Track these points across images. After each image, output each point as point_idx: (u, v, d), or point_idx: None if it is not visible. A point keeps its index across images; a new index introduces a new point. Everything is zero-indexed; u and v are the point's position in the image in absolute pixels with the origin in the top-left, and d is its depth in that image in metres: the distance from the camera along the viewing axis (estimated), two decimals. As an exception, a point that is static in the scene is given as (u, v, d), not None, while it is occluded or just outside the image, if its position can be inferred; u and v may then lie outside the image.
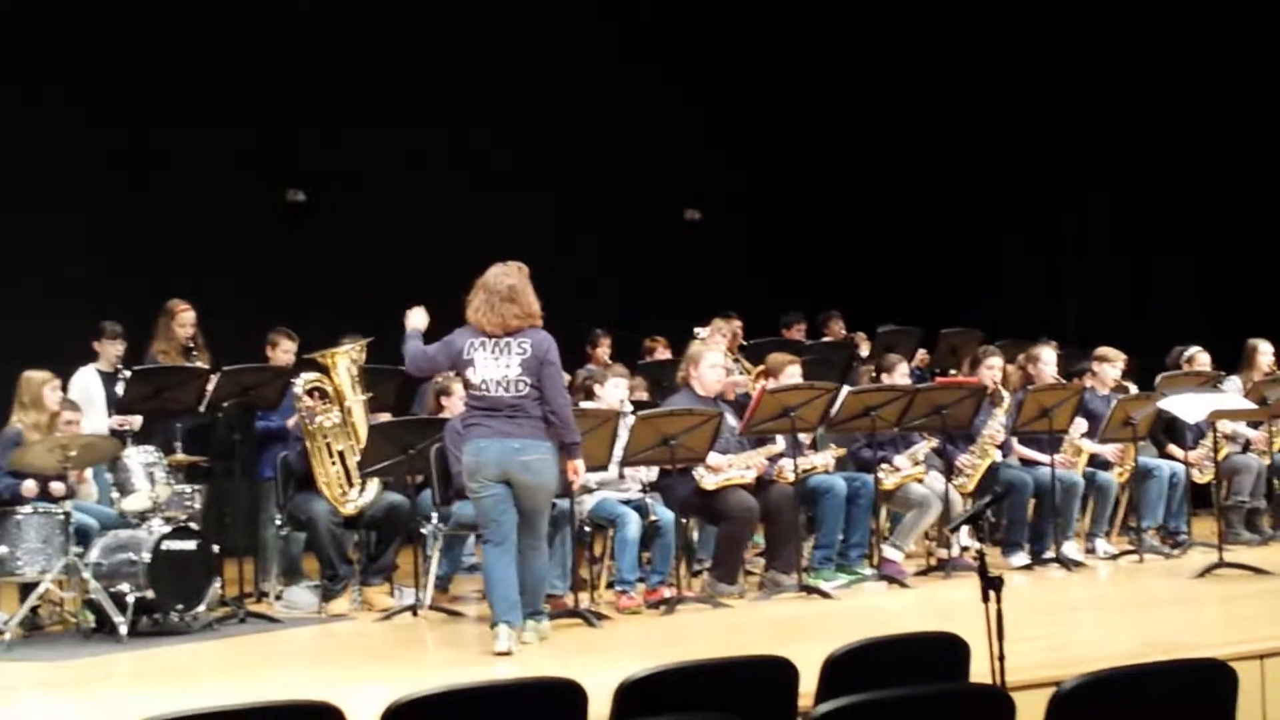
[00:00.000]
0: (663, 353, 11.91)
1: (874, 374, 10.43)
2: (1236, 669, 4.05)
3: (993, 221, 15.51)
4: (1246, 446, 10.89)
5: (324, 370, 8.85)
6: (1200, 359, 11.10)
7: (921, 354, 11.39)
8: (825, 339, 12.49)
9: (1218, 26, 14.14)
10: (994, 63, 15.24)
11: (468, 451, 7.42)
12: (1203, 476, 10.68)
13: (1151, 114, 14.61)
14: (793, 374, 9.42)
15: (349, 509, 8.77)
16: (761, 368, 10.03)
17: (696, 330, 10.21)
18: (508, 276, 7.51)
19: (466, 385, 7.54)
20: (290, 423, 9.05)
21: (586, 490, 8.71)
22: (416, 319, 7.78)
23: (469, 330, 7.48)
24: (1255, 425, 10.79)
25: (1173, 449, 10.77)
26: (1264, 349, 11.16)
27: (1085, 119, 14.93)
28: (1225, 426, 10.41)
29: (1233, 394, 10.42)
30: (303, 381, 8.77)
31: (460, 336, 7.51)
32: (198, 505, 8.68)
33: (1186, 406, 9.69)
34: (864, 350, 11.67)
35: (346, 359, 8.86)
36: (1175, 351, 11.29)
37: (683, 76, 14.48)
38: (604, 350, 11.86)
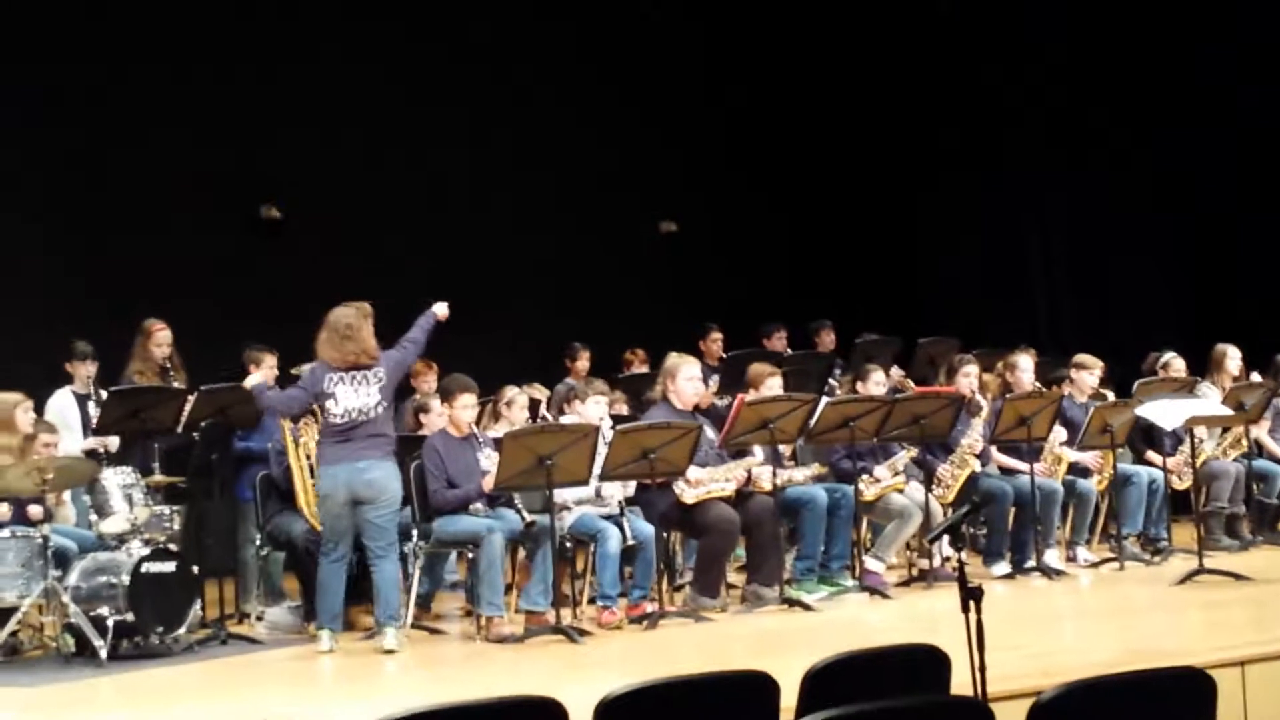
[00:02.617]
0: (640, 366, 11.91)
1: (851, 384, 10.45)
2: (1217, 675, 4.06)
3: (965, 231, 15.55)
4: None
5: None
6: (1176, 365, 11.13)
7: (896, 372, 11.38)
8: (809, 350, 12.50)
9: (1175, 25, 14.20)
10: (966, 70, 15.30)
11: (322, 477, 8.09)
12: (1182, 483, 10.71)
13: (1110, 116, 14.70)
14: (773, 385, 9.42)
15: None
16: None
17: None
18: (346, 316, 8.11)
19: (326, 415, 8.06)
20: (270, 443, 9.01)
21: (566, 507, 8.71)
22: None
23: (324, 366, 8.09)
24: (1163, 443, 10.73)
25: (1151, 455, 10.79)
26: (1231, 354, 11.19)
27: (1059, 128, 15.01)
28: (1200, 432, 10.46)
29: (1212, 399, 10.45)
30: (282, 403, 8.73)
31: (319, 371, 8.10)
32: (177, 526, 8.64)
33: (1164, 413, 9.71)
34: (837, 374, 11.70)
35: None
36: (1151, 358, 11.33)
37: (655, 89, 14.51)
38: (583, 364, 11.87)
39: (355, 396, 8.00)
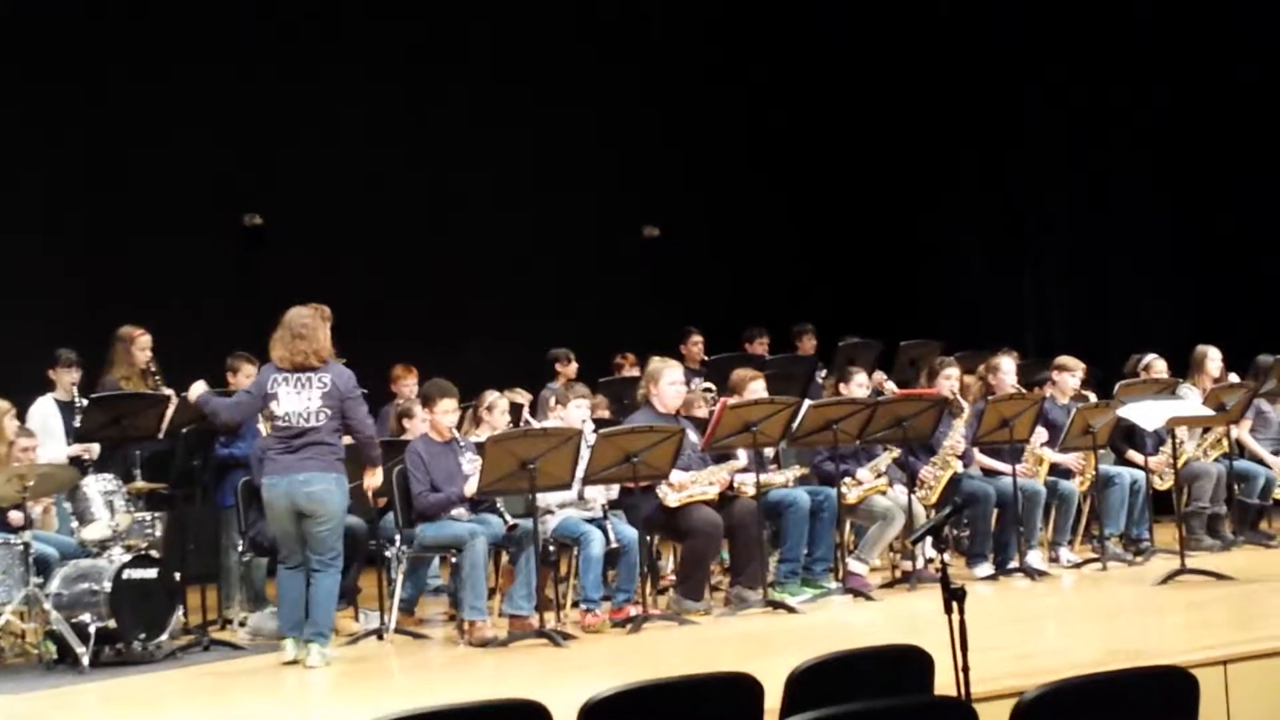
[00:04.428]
0: (631, 369, 11.92)
1: (834, 386, 10.47)
2: (1200, 675, 4.07)
3: (950, 233, 15.57)
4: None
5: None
6: (1157, 366, 11.16)
7: (878, 375, 11.41)
8: (791, 354, 12.51)
9: (1174, 32, 14.26)
10: (945, 75, 15.33)
11: (263, 486, 7.93)
12: (1163, 483, 10.74)
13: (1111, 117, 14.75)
14: (756, 389, 9.43)
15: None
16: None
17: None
18: (303, 317, 7.97)
19: (270, 418, 7.97)
20: (252, 449, 8.98)
21: (549, 511, 8.71)
22: (198, 388, 8.34)
23: (271, 367, 7.98)
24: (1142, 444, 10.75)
25: (1133, 455, 10.82)
26: (1213, 355, 11.23)
27: (1042, 127, 15.04)
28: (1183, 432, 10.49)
29: (1193, 400, 10.48)
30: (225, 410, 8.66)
31: (265, 373, 8.02)
32: (158, 533, 8.61)
33: (1145, 414, 9.74)
34: (821, 376, 11.71)
35: None
36: (1133, 359, 11.37)
37: (640, 93, 14.52)
38: (571, 368, 11.85)
39: (296, 399, 7.83)
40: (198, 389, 8.33)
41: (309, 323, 7.92)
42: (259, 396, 7.97)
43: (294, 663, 7.76)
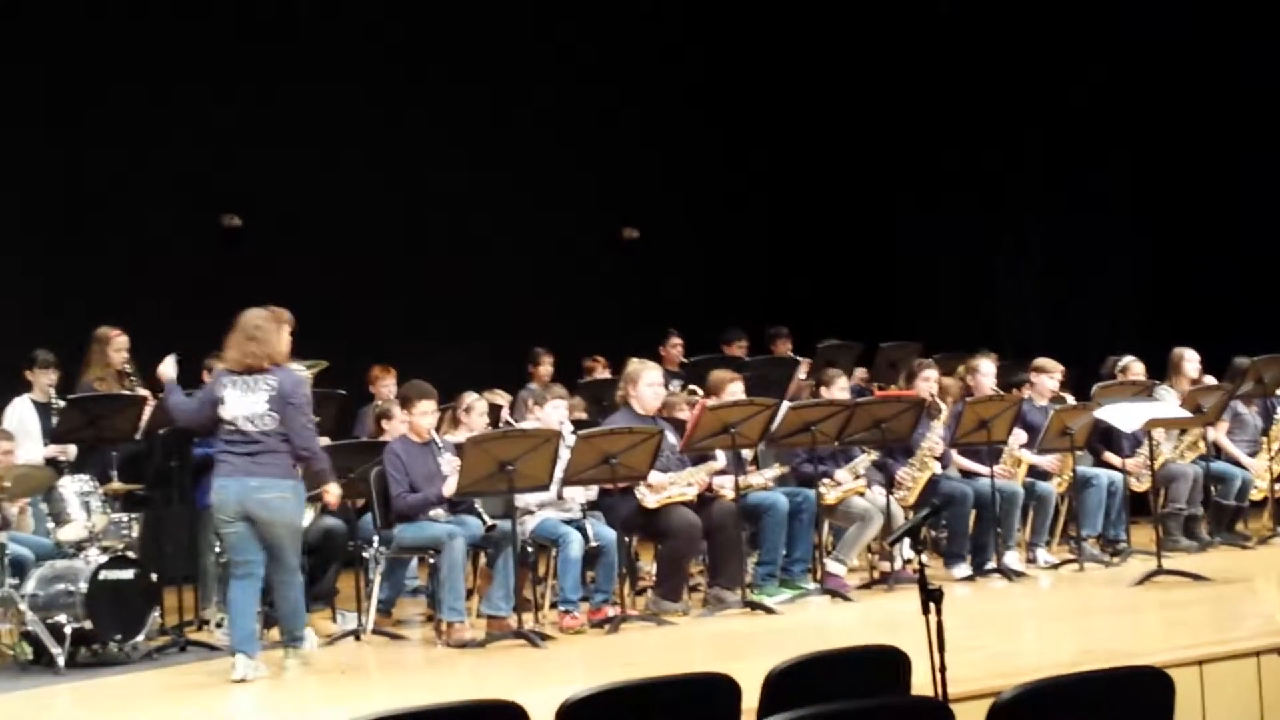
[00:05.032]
0: (602, 372, 11.91)
1: (814, 388, 10.49)
2: (1176, 675, 4.08)
3: (929, 235, 15.60)
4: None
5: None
6: (1134, 368, 11.20)
7: (860, 372, 11.45)
8: (769, 355, 12.52)
9: (1154, 38, 14.31)
10: (924, 75, 15.36)
11: (213, 489, 7.72)
12: (1140, 485, 10.78)
13: (1086, 124, 14.78)
14: (735, 391, 9.44)
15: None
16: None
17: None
18: (256, 319, 7.81)
19: (219, 422, 7.70)
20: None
21: (528, 512, 8.71)
22: (168, 368, 7.97)
23: (222, 370, 7.80)
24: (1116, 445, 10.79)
25: (1110, 457, 10.86)
26: (1190, 356, 11.28)
27: (1020, 130, 15.08)
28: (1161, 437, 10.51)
29: (1170, 402, 10.52)
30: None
31: (215, 375, 7.85)
32: (135, 534, 8.58)
33: (1122, 416, 9.77)
34: (803, 372, 11.71)
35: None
36: (1110, 361, 11.40)
37: (617, 94, 14.51)
38: (545, 369, 11.86)
39: (242, 402, 7.60)
40: (167, 367, 7.97)
41: (262, 325, 7.77)
42: (208, 400, 7.74)
43: (241, 681, 7.40)
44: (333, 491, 8.01)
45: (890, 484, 9.71)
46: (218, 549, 8.88)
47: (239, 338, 7.75)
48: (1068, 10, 14.72)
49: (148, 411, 8.89)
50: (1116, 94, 14.60)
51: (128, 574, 8.21)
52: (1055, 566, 10.22)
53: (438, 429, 9.02)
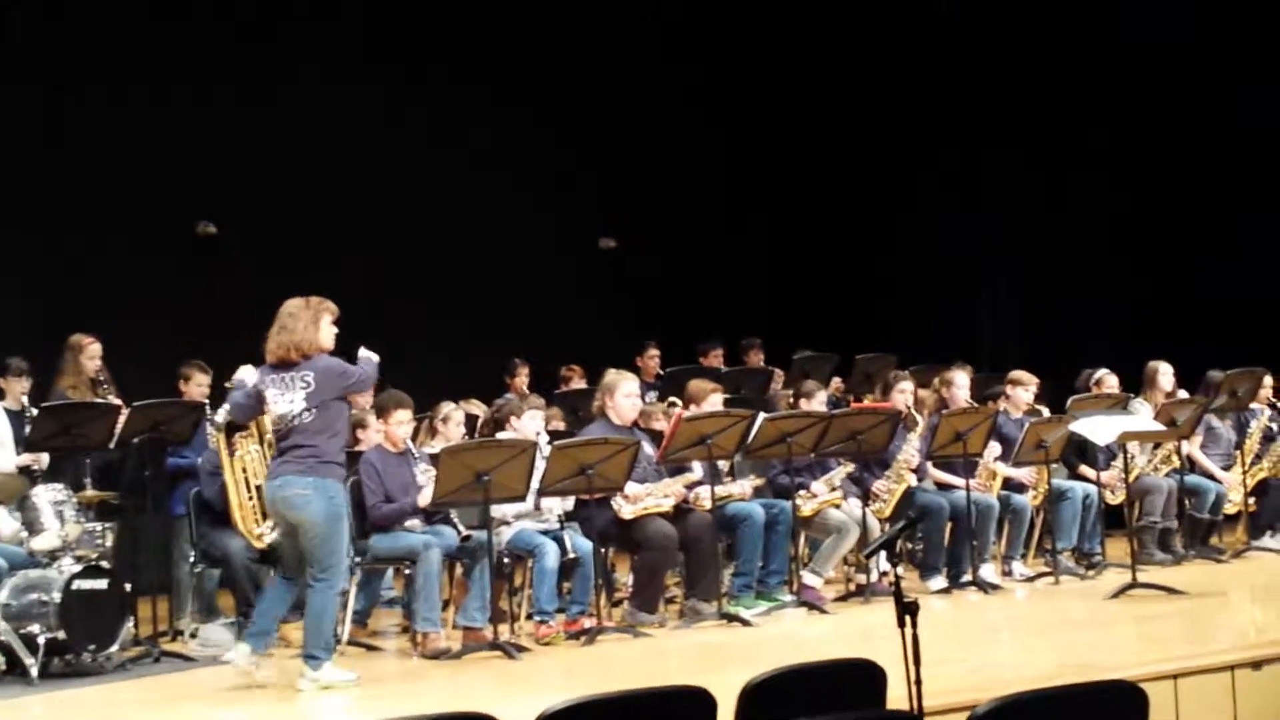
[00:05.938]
0: (578, 382, 11.90)
1: (791, 400, 10.50)
2: (1150, 689, 4.10)
3: (906, 248, 15.64)
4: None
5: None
6: (1109, 381, 11.24)
7: (836, 382, 11.47)
8: (742, 367, 12.53)
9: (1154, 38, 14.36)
10: (910, 88, 15.39)
11: None
12: (1115, 498, 10.81)
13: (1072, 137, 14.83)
14: (714, 401, 9.45)
15: (263, 542, 8.65)
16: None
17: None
18: (291, 306, 7.54)
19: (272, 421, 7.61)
20: (200, 459, 8.92)
21: (504, 522, 8.69)
22: (245, 373, 7.77)
23: (266, 365, 7.55)
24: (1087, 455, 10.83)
25: (1085, 470, 10.89)
26: (1164, 370, 11.34)
27: (1007, 142, 15.13)
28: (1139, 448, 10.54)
29: (1145, 415, 10.55)
30: (224, 413, 8.60)
31: (260, 372, 7.59)
32: (109, 543, 8.52)
33: (1097, 428, 9.80)
34: (778, 384, 11.72)
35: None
36: (1084, 374, 11.44)
37: (597, 103, 14.51)
38: (522, 380, 11.85)
39: (280, 400, 7.40)
40: (245, 372, 7.74)
41: (294, 313, 7.46)
42: (255, 394, 7.54)
43: (227, 663, 7.43)
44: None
45: (866, 496, 9.72)
46: (192, 558, 8.86)
47: (274, 329, 7.49)
48: (1067, 10, 14.74)
49: (122, 420, 8.84)
50: (1113, 97, 14.62)
51: (101, 584, 8.15)
52: (1031, 579, 10.24)
53: (414, 439, 9.00)
